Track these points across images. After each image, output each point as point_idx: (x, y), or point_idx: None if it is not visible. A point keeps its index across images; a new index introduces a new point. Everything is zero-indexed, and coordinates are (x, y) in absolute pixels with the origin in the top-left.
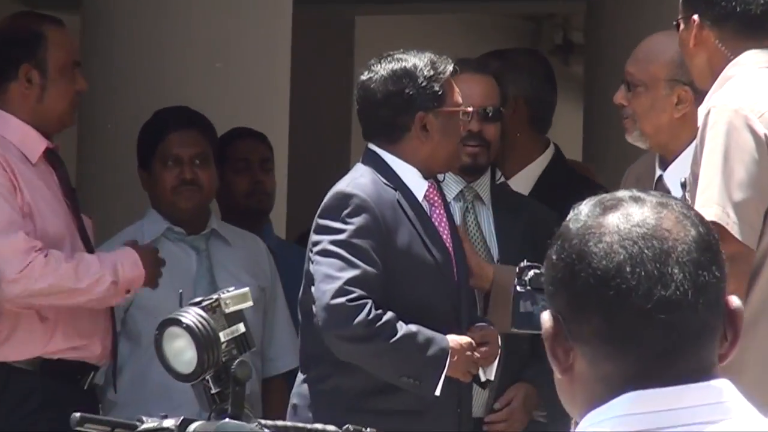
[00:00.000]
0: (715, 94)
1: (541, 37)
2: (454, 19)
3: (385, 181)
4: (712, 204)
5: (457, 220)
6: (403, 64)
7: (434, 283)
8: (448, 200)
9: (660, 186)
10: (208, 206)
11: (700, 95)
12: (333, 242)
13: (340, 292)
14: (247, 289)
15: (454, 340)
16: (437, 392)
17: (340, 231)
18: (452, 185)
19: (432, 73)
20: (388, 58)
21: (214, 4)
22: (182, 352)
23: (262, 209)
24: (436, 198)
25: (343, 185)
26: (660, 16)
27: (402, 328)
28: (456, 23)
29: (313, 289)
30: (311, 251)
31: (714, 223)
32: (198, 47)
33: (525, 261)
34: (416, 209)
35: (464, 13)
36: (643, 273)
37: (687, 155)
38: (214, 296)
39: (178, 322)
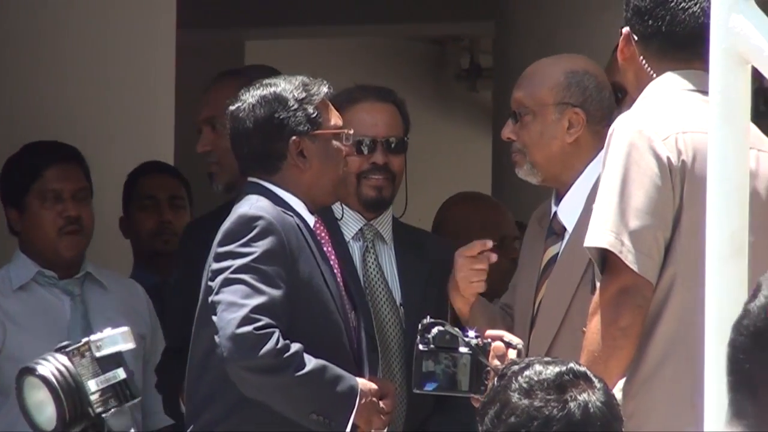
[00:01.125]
0: (622, 115)
1: (447, 60)
2: (352, 43)
3: (280, 207)
4: (605, 231)
5: (356, 260)
6: (273, 89)
7: (333, 319)
8: (347, 239)
9: (555, 223)
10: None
11: (592, 116)
12: (237, 268)
13: (245, 321)
14: (126, 328)
15: (362, 382)
16: None
17: (244, 255)
18: (351, 224)
19: (304, 95)
20: (257, 85)
21: (90, 30)
22: (42, 405)
23: (170, 251)
24: (323, 234)
25: (245, 208)
26: (573, 37)
27: (310, 362)
28: (354, 48)
29: (215, 318)
30: (210, 281)
31: (607, 251)
32: (75, 74)
33: (428, 318)
34: (314, 238)
35: (362, 36)
36: None
37: (580, 186)
38: (84, 339)
39: (33, 372)
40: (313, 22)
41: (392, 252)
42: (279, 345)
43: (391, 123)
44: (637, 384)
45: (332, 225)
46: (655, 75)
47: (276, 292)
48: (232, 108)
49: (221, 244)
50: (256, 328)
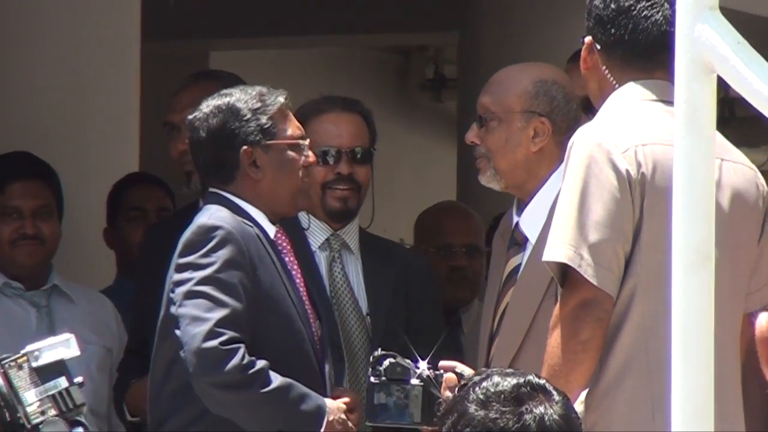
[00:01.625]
0: (582, 127)
1: (411, 70)
2: (316, 53)
3: (239, 217)
4: (564, 244)
5: (323, 270)
6: (227, 99)
7: (296, 329)
8: (314, 249)
9: (517, 234)
10: (50, 261)
11: (558, 127)
12: (198, 280)
13: (210, 335)
14: (69, 335)
15: (329, 401)
16: None
17: (204, 266)
18: (317, 233)
19: (258, 105)
20: (214, 95)
21: (55, 41)
22: None
23: None
24: (285, 244)
25: (204, 219)
26: (539, 46)
27: (276, 379)
28: (318, 58)
29: (179, 332)
30: (172, 293)
31: (567, 265)
32: (41, 84)
33: (379, 350)
34: (274, 249)
35: (327, 47)
36: None
37: (543, 196)
38: (23, 350)
39: None
40: (277, 33)
41: (359, 261)
42: (244, 361)
43: (356, 133)
44: (598, 396)
45: (299, 235)
46: (617, 85)
47: (238, 304)
48: (189, 117)
49: (181, 255)
50: (221, 343)
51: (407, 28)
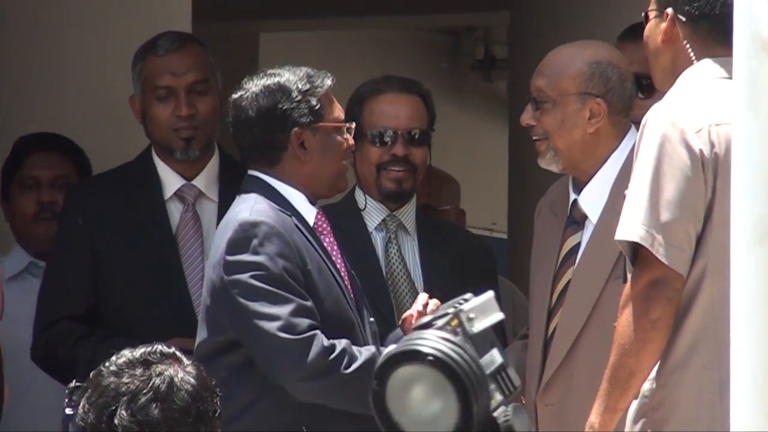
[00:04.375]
0: (656, 105)
1: (461, 51)
2: (366, 35)
3: (277, 206)
4: (636, 224)
5: (379, 251)
6: (276, 79)
7: (345, 316)
8: (370, 230)
9: (575, 211)
10: None
11: (613, 107)
12: (253, 277)
13: (284, 329)
14: (491, 293)
15: None
16: None
17: (256, 264)
18: (374, 214)
19: (308, 87)
20: (261, 75)
21: (110, 22)
22: (424, 403)
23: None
24: (325, 226)
25: (246, 215)
26: (590, 25)
27: (360, 354)
28: (367, 40)
29: (245, 333)
30: (226, 294)
31: (638, 244)
32: (90, 65)
33: (74, 382)
34: (313, 235)
35: (375, 28)
36: None
37: (603, 176)
38: (449, 310)
39: (416, 357)
40: (326, 14)
41: (415, 243)
42: (325, 347)
43: (413, 115)
44: (665, 374)
45: (356, 216)
46: (695, 60)
47: (299, 293)
48: (234, 96)
49: (228, 253)
50: (297, 335)
51: (457, 9)
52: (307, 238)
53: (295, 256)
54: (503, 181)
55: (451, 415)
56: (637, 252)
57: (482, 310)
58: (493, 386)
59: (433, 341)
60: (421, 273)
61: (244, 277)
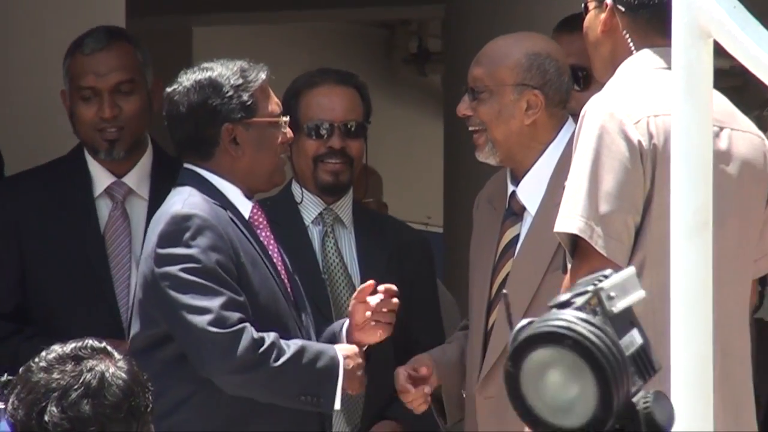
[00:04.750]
0: (594, 96)
1: (395, 45)
2: (301, 27)
3: (211, 200)
4: (575, 216)
5: (316, 245)
6: (208, 74)
7: (281, 310)
8: (307, 224)
9: (514, 202)
10: None
11: (550, 99)
12: (184, 270)
13: (214, 323)
14: (632, 269)
15: (341, 347)
16: (337, 406)
17: (188, 257)
18: (310, 208)
19: (240, 81)
20: (195, 69)
21: (44, 18)
22: (561, 387)
23: None
24: (261, 220)
25: (178, 207)
26: (525, 18)
27: (288, 347)
28: (303, 32)
29: (175, 325)
30: (157, 287)
31: (577, 235)
32: (23, 60)
33: (6, 375)
34: (249, 229)
35: (310, 22)
36: None
37: (541, 167)
38: (588, 287)
39: (554, 339)
40: (260, 8)
41: (352, 236)
42: (254, 338)
43: (349, 107)
44: None
45: (292, 208)
46: (635, 50)
47: (231, 286)
48: (168, 90)
49: (160, 246)
50: (227, 328)
51: (390, 1)
52: (242, 232)
53: (229, 249)
54: (438, 176)
55: (589, 402)
56: (576, 244)
57: (623, 287)
58: (632, 369)
59: (571, 322)
60: (358, 267)
61: (175, 269)
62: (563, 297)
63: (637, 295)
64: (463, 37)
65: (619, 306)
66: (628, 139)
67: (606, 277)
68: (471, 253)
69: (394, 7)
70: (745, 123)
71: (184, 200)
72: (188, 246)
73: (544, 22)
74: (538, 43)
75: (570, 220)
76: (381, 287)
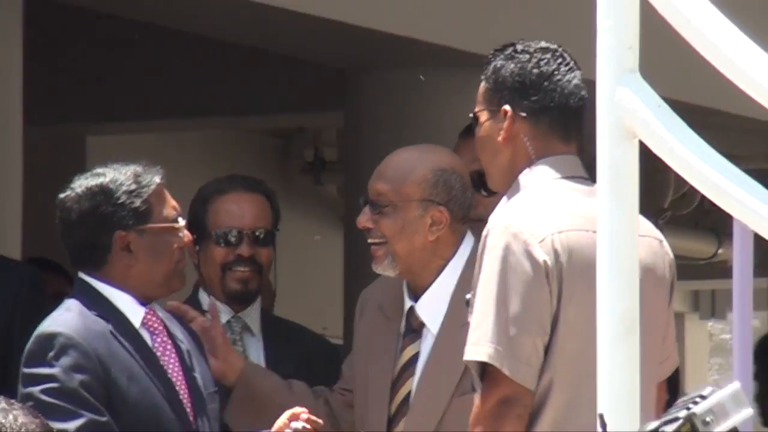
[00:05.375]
0: (496, 213)
1: (291, 154)
2: (195, 135)
3: (95, 312)
4: (484, 342)
5: None
6: (100, 180)
7: (164, 419)
8: None
9: (413, 318)
10: None
11: (455, 216)
12: (44, 391)
13: None
14: (737, 384)
15: None
16: None
17: (49, 377)
18: (219, 315)
19: (134, 187)
20: (87, 175)
21: None
22: None
23: None
24: (156, 325)
25: (45, 326)
26: (422, 126)
27: None
28: (197, 140)
29: None
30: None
31: (487, 363)
32: None
33: None
34: (134, 339)
35: (206, 129)
36: None
37: (441, 284)
38: (680, 413)
39: None
40: (154, 116)
41: (260, 345)
42: None
43: (258, 214)
44: None
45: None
46: (534, 157)
47: (93, 407)
48: (61, 196)
49: (26, 365)
50: None
51: (288, 110)
52: (122, 345)
53: (96, 367)
54: (334, 285)
55: None
56: (485, 369)
57: (722, 408)
58: None
59: None
60: None
61: (36, 390)
62: (650, 426)
63: (743, 414)
64: (360, 145)
65: (719, 428)
66: (533, 260)
67: (703, 397)
68: (358, 360)
69: (289, 115)
70: (644, 227)
71: (54, 318)
72: (51, 366)
73: (440, 128)
74: (444, 158)
75: (479, 347)
76: (305, 416)
